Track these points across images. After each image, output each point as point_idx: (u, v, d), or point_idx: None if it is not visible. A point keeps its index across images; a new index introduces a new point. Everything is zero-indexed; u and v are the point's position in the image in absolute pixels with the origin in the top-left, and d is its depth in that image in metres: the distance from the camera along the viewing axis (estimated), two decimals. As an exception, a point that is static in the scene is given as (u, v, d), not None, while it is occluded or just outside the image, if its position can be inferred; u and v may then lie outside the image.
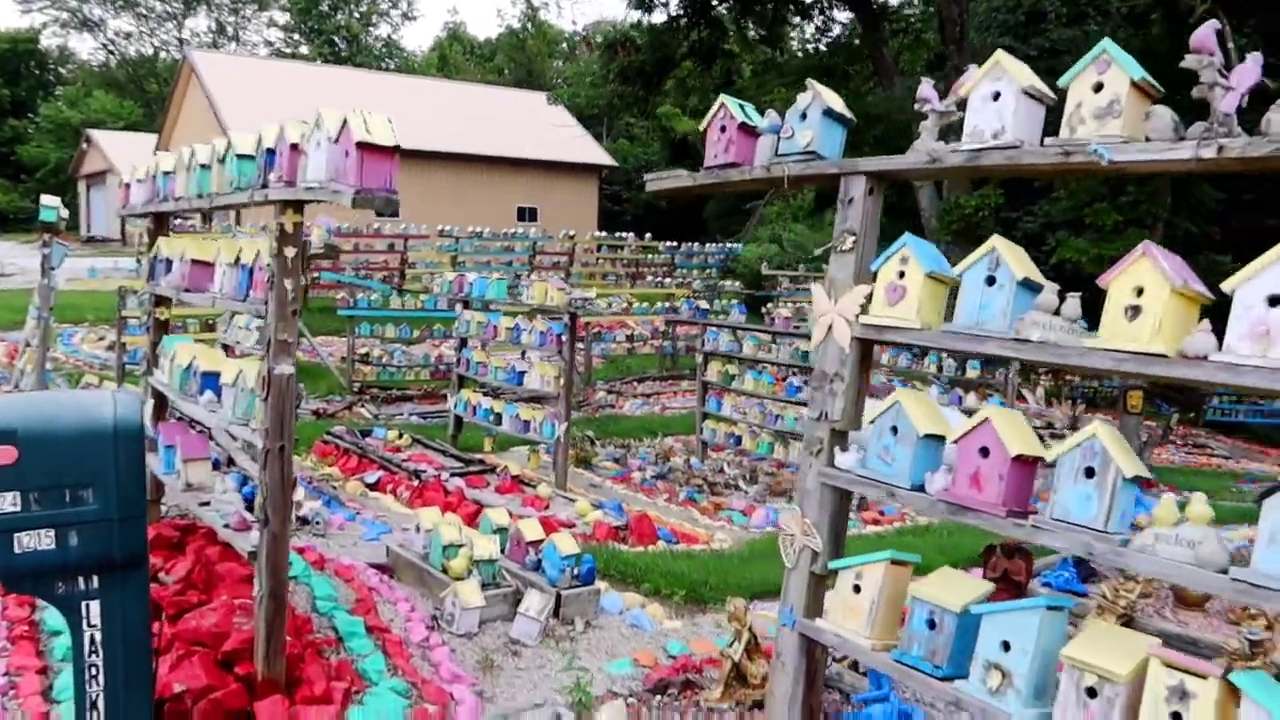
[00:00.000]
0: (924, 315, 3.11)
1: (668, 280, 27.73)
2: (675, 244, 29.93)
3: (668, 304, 21.60)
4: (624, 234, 30.14)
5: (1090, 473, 2.64)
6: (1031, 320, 2.81)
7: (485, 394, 11.65)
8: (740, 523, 10.02)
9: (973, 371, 15.19)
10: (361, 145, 3.72)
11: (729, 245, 30.60)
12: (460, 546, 6.17)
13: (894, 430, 3.15)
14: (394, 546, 6.64)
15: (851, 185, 3.38)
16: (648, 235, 30.29)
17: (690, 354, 21.19)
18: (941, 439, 3.10)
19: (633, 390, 18.97)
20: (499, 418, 10.99)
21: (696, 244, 30.44)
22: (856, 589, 3.20)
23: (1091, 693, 2.59)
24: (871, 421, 3.22)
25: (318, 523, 7.33)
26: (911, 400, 3.13)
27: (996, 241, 2.98)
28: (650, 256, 29.54)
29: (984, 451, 2.88)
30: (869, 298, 3.26)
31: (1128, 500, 2.62)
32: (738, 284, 25.58)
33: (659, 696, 5.01)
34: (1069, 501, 2.68)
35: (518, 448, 11.91)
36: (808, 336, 12.43)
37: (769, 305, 20.70)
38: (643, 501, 10.45)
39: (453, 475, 9.72)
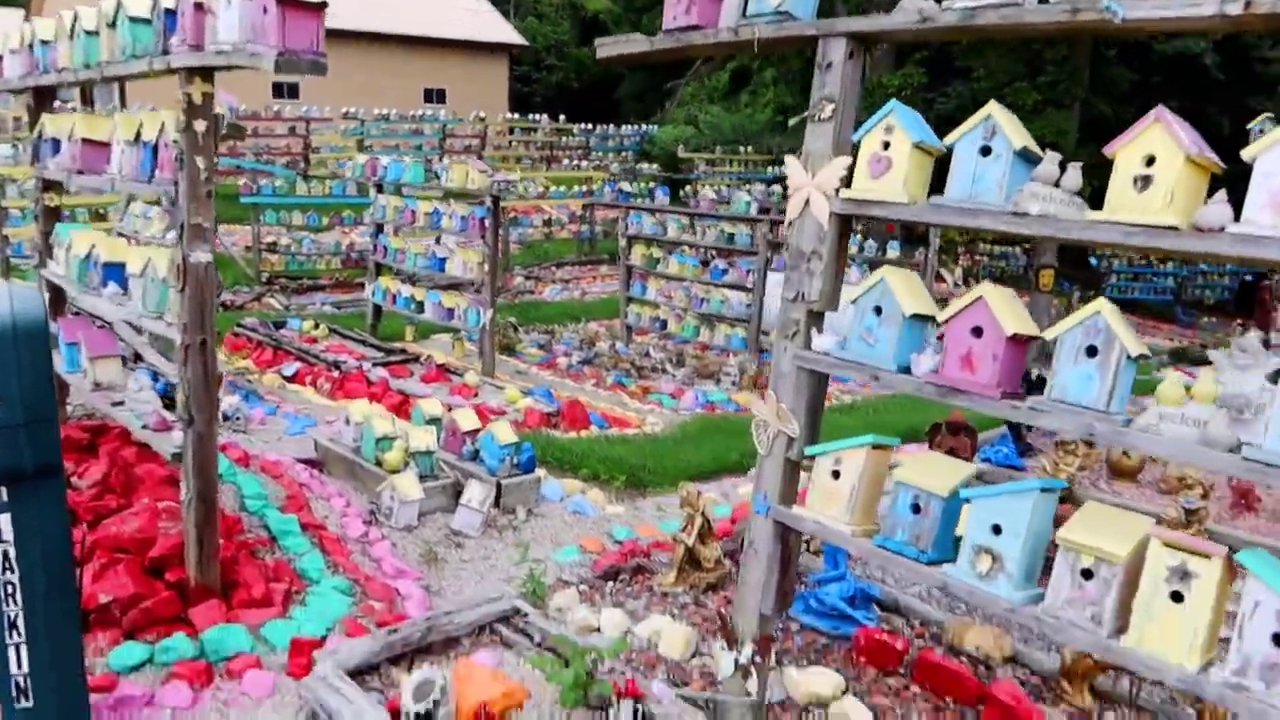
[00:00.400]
0: (910, 189, 2.92)
1: (584, 164, 27.05)
2: (590, 126, 29.11)
3: (584, 188, 21.10)
4: (537, 116, 29.16)
5: (1092, 351, 2.54)
6: (1030, 193, 2.64)
7: (404, 281, 11.20)
8: (670, 405, 9.99)
9: (893, 253, 15.31)
10: (283, 0, 3.29)
11: (644, 127, 29.92)
12: (394, 439, 5.93)
13: (877, 310, 2.99)
14: (323, 440, 6.36)
15: (830, 48, 3.13)
16: (561, 117, 29.38)
17: (609, 238, 20.86)
18: (928, 319, 2.96)
19: (551, 276, 18.63)
20: (421, 306, 10.61)
21: (611, 126, 29.68)
22: (835, 474, 3.09)
23: (1087, 574, 2.54)
24: (853, 302, 3.06)
25: (238, 418, 6.97)
26: (897, 278, 2.97)
27: (993, 109, 2.79)
28: (564, 139, 28.72)
29: (977, 331, 2.75)
30: (850, 170, 3.05)
31: (1130, 380, 2.53)
32: (655, 167, 25.09)
33: (611, 583, 4.94)
34: (1069, 382, 2.57)
35: (440, 336, 11.57)
36: (732, 219, 12.32)
37: (688, 188, 20.36)
38: (571, 387, 10.31)
39: (375, 365, 9.38)
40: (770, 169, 23.58)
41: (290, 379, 9.13)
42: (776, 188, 13.69)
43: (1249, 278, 19.78)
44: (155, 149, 4.27)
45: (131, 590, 3.98)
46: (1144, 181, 2.45)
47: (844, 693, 3.77)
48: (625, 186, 15.53)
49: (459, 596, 4.79)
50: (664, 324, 12.51)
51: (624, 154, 28.31)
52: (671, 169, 25.43)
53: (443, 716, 3.43)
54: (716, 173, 24.70)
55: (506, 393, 9.03)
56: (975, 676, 3.89)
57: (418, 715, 3.41)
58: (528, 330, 12.82)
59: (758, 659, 3.31)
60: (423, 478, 5.73)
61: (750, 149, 25.86)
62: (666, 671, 3.97)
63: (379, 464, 5.84)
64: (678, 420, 9.31)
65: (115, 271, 4.73)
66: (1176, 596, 2.40)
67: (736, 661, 3.36)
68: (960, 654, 4.21)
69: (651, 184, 20.14)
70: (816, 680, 3.78)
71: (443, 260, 10.50)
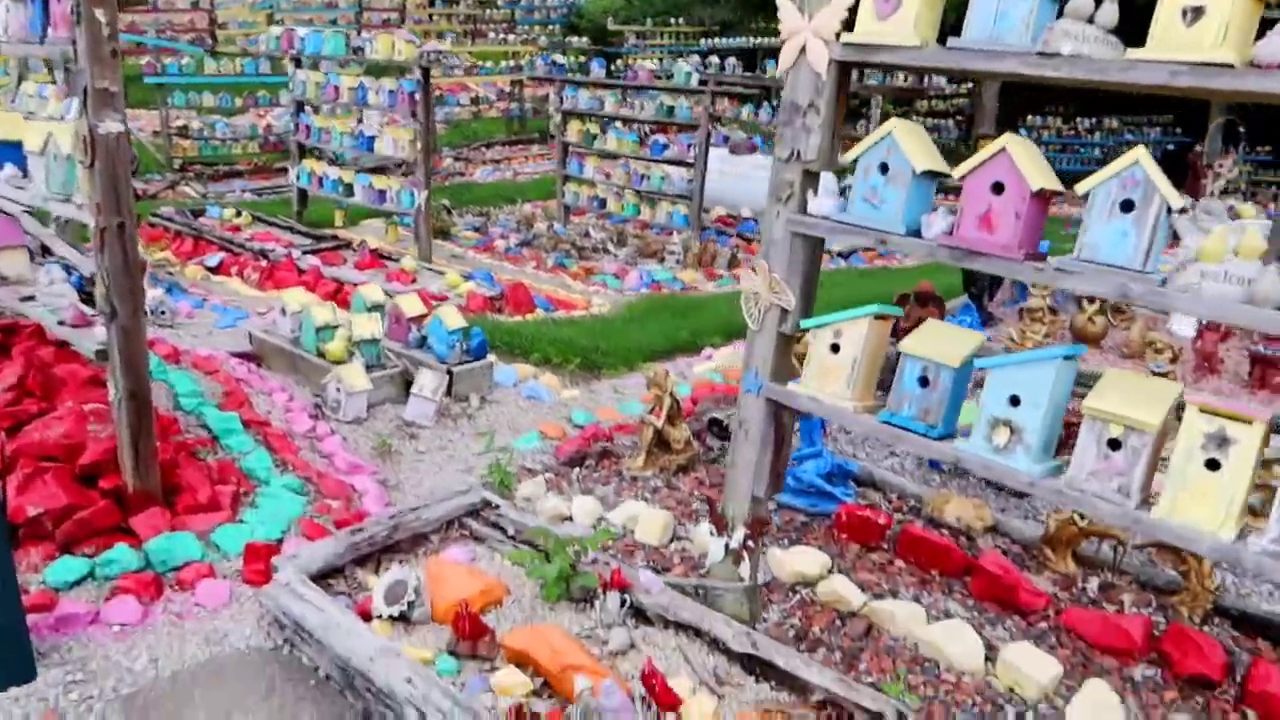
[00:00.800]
0: (922, 30, 2.63)
1: (510, 38, 25.81)
2: (515, -2, 27.73)
3: (512, 63, 20.17)
4: (458, -14, 27.62)
5: (1128, 206, 2.33)
6: (1061, 30, 2.38)
7: (330, 164, 10.56)
8: (615, 286, 9.74)
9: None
10: None
11: (572, -1, 28.60)
12: (335, 328, 5.58)
13: (883, 169, 2.73)
14: (258, 333, 5.97)
15: None
16: (484, -12, 27.89)
17: (539, 117, 20.09)
18: (940, 176, 2.72)
19: (481, 157, 17.91)
20: (350, 189, 10.03)
21: (537, -2, 28.31)
22: (835, 348, 2.88)
23: (1114, 445, 2.40)
24: (854, 160, 2.79)
25: (163, 313, 6.51)
26: (905, 132, 2.71)
27: (1016, -65, 2.48)
28: (488, 12, 27.30)
29: (998, 188, 2.52)
30: (852, 11, 2.74)
31: (1165, 237, 2.33)
32: (583, 40, 24.06)
33: (577, 469, 4.75)
34: (1101, 239, 2.37)
35: (372, 220, 11.02)
36: (673, 90, 11.81)
37: (619, 62, 19.56)
38: (511, 270, 9.97)
39: (305, 253, 8.88)
40: (703, 41, 22.75)
41: (214, 270, 8.61)
42: (714, 59, 13.11)
43: (1171, 147, 19.92)
44: (46, 3, 3.74)
45: (64, 501, 3.66)
46: (1194, 14, 2.20)
47: (830, 571, 3.67)
48: (559, 59, 14.76)
49: (419, 490, 4.56)
50: (603, 203, 12.11)
51: (550, 27, 27.09)
52: (601, 43, 24.42)
53: (418, 617, 3.23)
54: (648, 45, 23.79)
55: (446, 277, 8.64)
56: (960, 548, 3.82)
57: (392, 618, 3.21)
58: (461, 213, 12.31)
59: (750, 543, 3.16)
60: (369, 368, 5.42)
61: (682, 21, 24.91)
62: (645, 558, 3.82)
63: (321, 355, 5.50)
64: (624, 301, 9.08)
65: (11, 151, 4.22)
66: (1212, 464, 2.27)
67: (727, 546, 3.21)
68: (941, 526, 4.14)
69: (584, 57, 19.28)
70: (801, 560, 3.67)
71: (371, 139, 9.89)
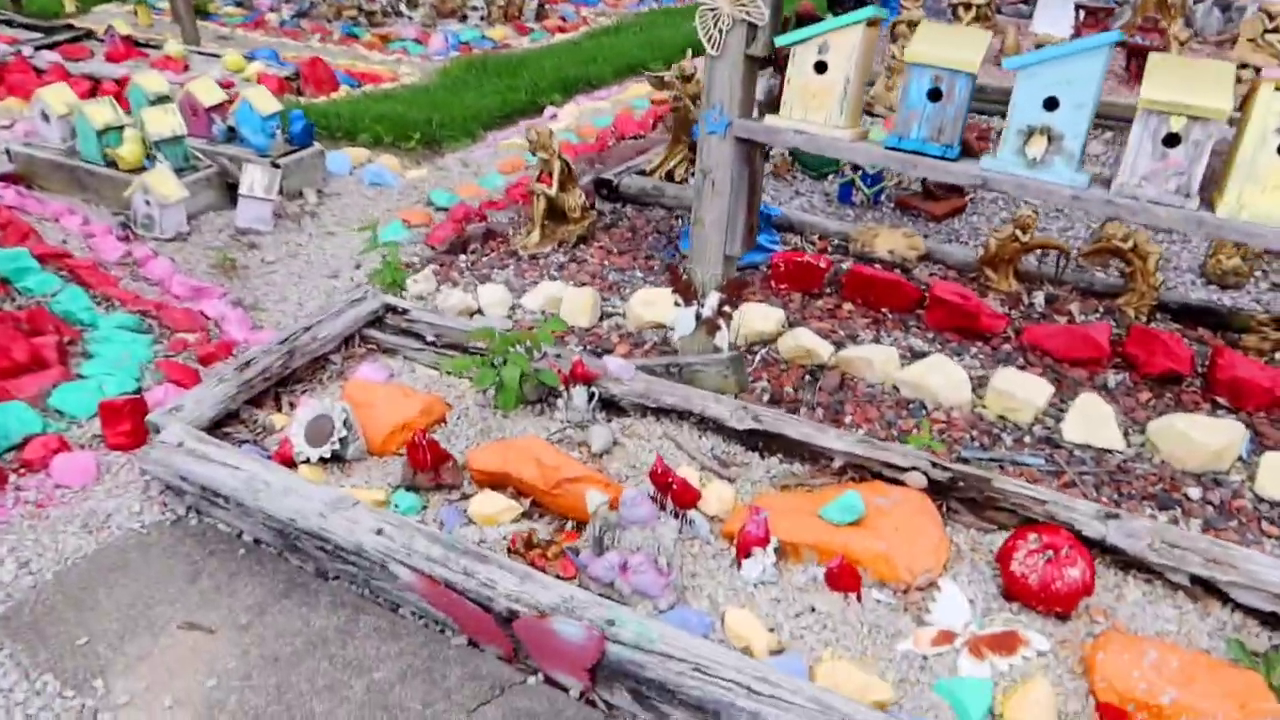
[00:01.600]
0: None
1: None
2: None
3: None
4: None
5: None
6: None
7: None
8: (418, 53, 8.71)
9: None
10: None
11: None
12: (122, 128, 4.55)
13: None
14: (17, 147, 4.81)
15: None
16: None
17: None
18: None
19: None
20: (72, -39, 8.22)
21: None
22: (820, 67, 2.42)
23: (1172, 140, 2.11)
24: None
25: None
26: None
27: None
28: None
29: None
30: None
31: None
32: None
33: (462, 256, 4.18)
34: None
35: (109, 4, 9.20)
36: None
37: None
38: (294, 46, 8.68)
39: (38, 49, 7.29)
40: None
41: (-78, 81, 6.93)
42: None
43: None
44: None
45: None
46: None
47: (787, 324, 3.38)
48: None
49: (284, 306, 3.89)
50: (381, -43, 10.61)
51: None
52: None
53: (354, 454, 2.72)
54: None
55: (226, 60, 7.36)
56: (911, 281, 3.60)
57: (323, 460, 2.68)
58: (215, -15, 10.50)
59: (726, 308, 2.77)
60: (179, 172, 4.49)
61: None
62: (580, 342, 3.40)
63: (112, 164, 4.50)
64: (434, 68, 8.11)
65: None
66: (1292, 143, 2.02)
67: (698, 315, 2.82)
68: (873, 262, 3.90)
69: None
70: (756, 318, 3.34)
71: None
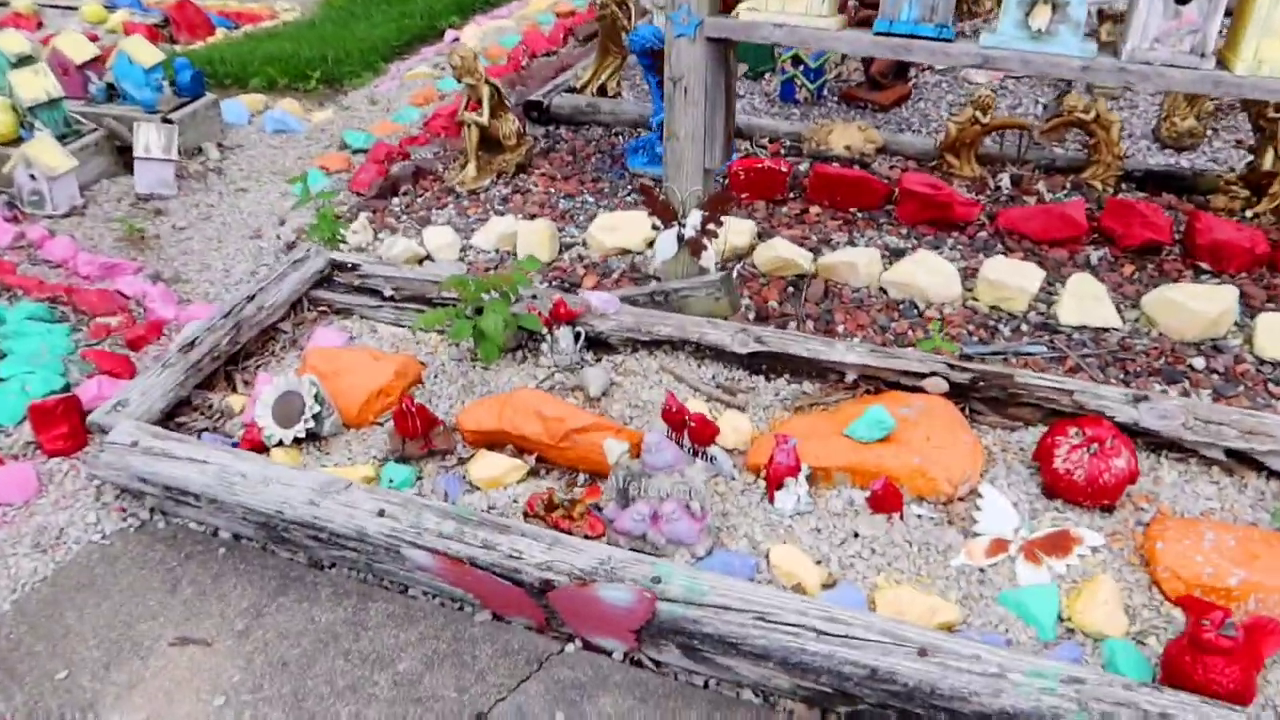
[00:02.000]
0: None
1: None
2: None
3: None
4: None
5: None
6: None
7: None
8: (294, -14, 8.07)
9: None
10: None
11: None
12: (-15, 94, 4.08)
13: None
14: None
15: None
16: None
17: None
18: None
19: None
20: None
21: None
22: (797, -48, 2.21)
23: (1187, -5, 1.98)
24: None
25: None
26: None
27: None
28: None
29: None
30: None
31: None
32: None
33: (394, 199, 3.88)
34: None
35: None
36: None
37: None
38: (154, -10, 7.95)
39: None
40: None
41: None
42: None
43: None
44: None
45: None
46: None
47: (757, 236, 3.22)
48: None
49: (209, 275, 3.56)
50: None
51: None
52: None
53: (331, 428, 2.49)
54: None
55: (85, 11, 6.73)
56: (878, 177, 3.46)
57: (296, 440, 2.44)
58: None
59: (710, 225, 2.59)
60: (63, 139, 4.05)
61: None
62: (543, 278, 3.18)
63: (-18, 137, 4.04)
64: (314, 1, 7.56)
65: None
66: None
67: (680, 237, 2.63)
68: (831, 160, 3.74)
69: None
70: (730, 233, 3.17)
71: None
